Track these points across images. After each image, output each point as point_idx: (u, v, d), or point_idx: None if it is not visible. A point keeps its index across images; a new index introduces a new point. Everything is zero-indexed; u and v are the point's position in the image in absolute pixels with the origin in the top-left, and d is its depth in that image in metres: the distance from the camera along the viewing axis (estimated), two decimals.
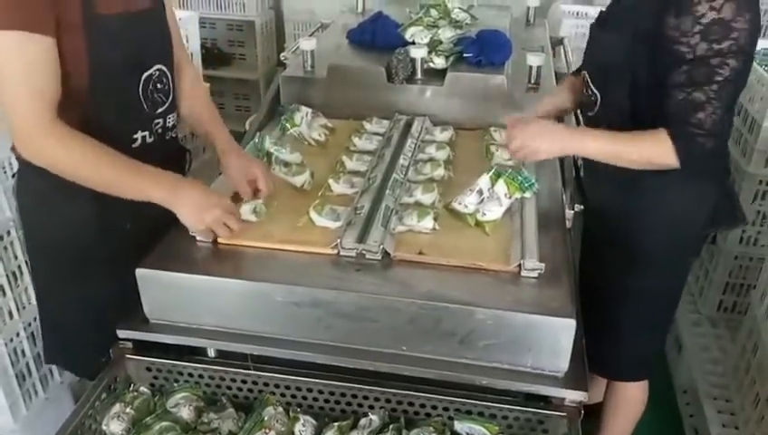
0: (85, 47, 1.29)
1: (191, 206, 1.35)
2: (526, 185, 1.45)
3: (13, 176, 1.71)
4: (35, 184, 1.43)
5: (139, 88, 1.41)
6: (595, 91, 1.53)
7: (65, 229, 1.44)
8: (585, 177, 1.71)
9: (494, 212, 1.43)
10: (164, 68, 1.46)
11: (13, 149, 1.40)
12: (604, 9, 1.58)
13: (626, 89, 1.45)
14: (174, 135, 1.56)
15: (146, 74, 1.42)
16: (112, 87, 1.36)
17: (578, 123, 1.75)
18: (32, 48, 1.23)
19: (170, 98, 1.50)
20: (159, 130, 1.48)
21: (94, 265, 1.45)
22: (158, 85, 1.46)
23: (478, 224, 1.43)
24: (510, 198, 1.45)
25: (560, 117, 1.78)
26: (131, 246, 1.39)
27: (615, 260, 1.62)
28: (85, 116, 1.33)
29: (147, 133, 1.45)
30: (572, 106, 1.73)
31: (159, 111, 1.47)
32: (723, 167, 1.56)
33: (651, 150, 1.40)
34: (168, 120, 1.50)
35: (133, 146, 1.42)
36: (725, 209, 1.56)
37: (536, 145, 1.47)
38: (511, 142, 1.49)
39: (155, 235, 1.42)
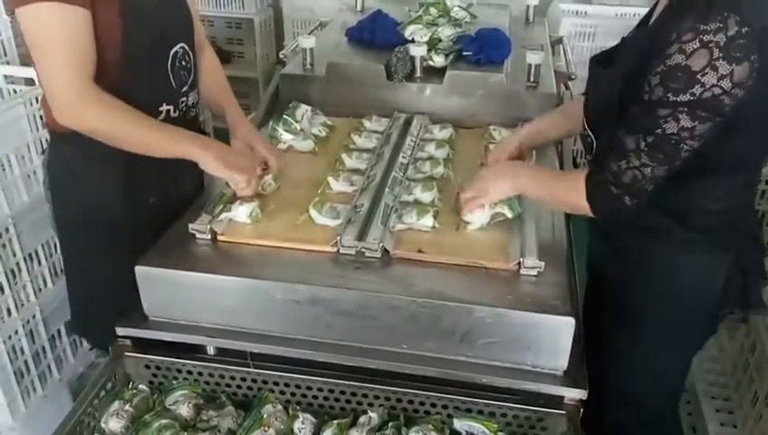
0: (119, 22, 1.35)
1: (218, 154, 1.43)
2: (514, 206, 1.41)
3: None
4: (67, 155, 1.50)
5: (168, 63, 1.48)
6: (590, 132, 1.39)
7: (94, 200, 1.51)
8: (590, 230, 1.54)
9: (477, 218, 1.41)
10: (186, 46, 1.54)
11: (46, 124, 1.50)
12: (610, 45, 1.41)
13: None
14: (194, 114, 1.62)
15: (173, 50, 1.49)
16: (143, 61, 1.42)
17: (573, 162, 1.66)
18: (69, 19, 1.28)
19: (192, 76, 1.57)
20: (183, 108, 1.56)
21: (121, 237, 1.48)
22: (182, 62, 1.53)
23: (458, 227, 1.42)
24: (493, 207, 1.41)
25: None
26: (156, 220, 1.46)
27: (612, 324, 1.48)
28: (116, 89, 1.38)
29: (172, 108, 1.52)
30: (557, 136, 1.67)
31: (184, 88, 1.55)
32: (738, 239, 1.34)
33: (566, 190, 1.29)
34: (189, 98, 1.57)
35: (158, 118, 1.48)
36: (741, 289, 1.35)
37: (485, 191, 1.39)
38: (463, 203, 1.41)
39: (177, 210, 1.50)
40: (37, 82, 1.52)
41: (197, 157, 1.43)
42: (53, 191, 1.57)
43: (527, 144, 1.62)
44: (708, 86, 1.09)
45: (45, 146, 1.57)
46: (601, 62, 1.36)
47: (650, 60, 1.15)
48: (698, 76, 1.08)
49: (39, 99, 1.55)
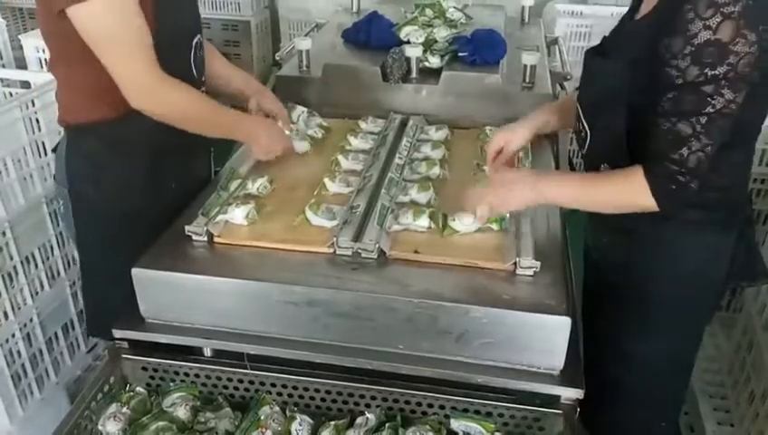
0: (153, 14, 1.41)
1: (265, 147, 1.63)
2: (502, 222, 1.41)
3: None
4: (89, 146, 1.53)
5: (191, 54, 1.57)
6: (585, 126, 1.38)
7: (119, 189, 1.56)
8: (586, 223, 1.56)
9: (465, 225, 1.40)
10: (201, 39, 1.62)
11: (62, 120, 1.56)
12: (606, 35, 1.42)
13: (622, 122, 1.28)
14: None
15: (194, 41, 1.58)
16: (173, 51, 1.47)
17: (570, 163, 1.64)
18: (130, 10, 1.36)
19: (205, 67, 1.65)
20: None
21: (140, 227, 1.49)
22: (200, 53, 1.62)
23: (445, 226, 1.41)
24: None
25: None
26: (174, 205, 1.53)
27: (616, 317, 1.46)
28: None
29: None
30: (555, 126, 1.66)
31: (203, 78, 1.63)
32: (742, 217, 1.37)
33: (623, 192, 1.25)
34: (204, 88, 1.64)
35: None
36: (745, 263, 1.37)
37: (506, 201, 1.37)
38: (477, 210, 1.36)
39: (193, 195, 1.58)
40: (52, 85, 1.65)
41: (250, 141, 1.64)
42: (74, 186, 1.58)
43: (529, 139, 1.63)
44: (742, 54, 1.11)
45: (62, 139, 1.61)
46: (600, 53, 1.37)
47: (660, 46, 1.16)
48: (730, 47, 1.10)
49: (55, 94, 1.59)
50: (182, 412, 1.31)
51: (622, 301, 1.44)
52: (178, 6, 1.53)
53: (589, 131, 1.38)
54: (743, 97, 1.14)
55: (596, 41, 1.45)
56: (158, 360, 1.38)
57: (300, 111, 1.89)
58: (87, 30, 1.35)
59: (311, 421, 1.30)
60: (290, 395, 1.36)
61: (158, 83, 1.42)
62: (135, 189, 1.56)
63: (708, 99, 1.14)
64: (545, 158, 1.77)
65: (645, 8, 1.29)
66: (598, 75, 1.37)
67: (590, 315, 1.55)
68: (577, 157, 2.35)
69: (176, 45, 1.50)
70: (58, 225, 2.09)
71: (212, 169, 1.78)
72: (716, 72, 1.12)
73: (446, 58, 2.07)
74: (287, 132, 1.75)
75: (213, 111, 1.54)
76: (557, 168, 1.79)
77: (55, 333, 2.12)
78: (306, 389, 1.35)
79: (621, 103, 1.27)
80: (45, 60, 2.62)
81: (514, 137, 1.60)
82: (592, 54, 1.39)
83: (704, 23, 1.11)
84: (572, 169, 1.77)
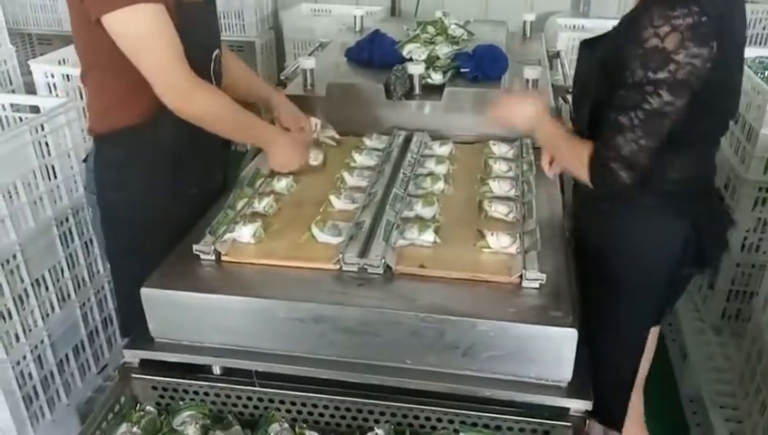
0: (177, 24, 1.47)
1: (282, 157, 1.71)
2: None
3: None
4: (116, 153, 1.61)
5: (210, 66, 1.64)
6: (570, 107, 1.60)
7: (140, 195, 1.61)
8: (573, 199, 1.72)
9: (501, 245, 1.41)
10: (219, 53, 1.69)
11: (90, 130, 1.63)
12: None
13: (587, 111, 1.46)
14: None
15: (214, 54, 1.66)
16: (194, 64, 1.52)
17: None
18: (164, 17, 1.44)
19: (222, 80, 1.72)
20: None
21: (164, 232, 1.54)
22: (219, 66, 1.69)
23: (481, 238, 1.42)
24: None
25: None
26: (194, 210, 1.60)
27: (593, 287, 1.57)
28: None
29: None
30: None
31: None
32: (701, 209, 1.51)
33: (574, 161, 1.43)
34: None
35: None
36: (696, 252, 1.51)
37: (512, 120, 1.61)
38: (496, 109, 1.61)
39: (211, 201, 1.65)
40: (76, 93, 1.98)
41: (269, 149, 1.70)
42: (100, 193, 1.66)
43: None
44: (682, 63, 1.26)
45: (91, 150, 1.69)
46: (589, 45, 1.52)
47: (625, 49, 1.31)
48: (672, 55, 1.26)
49: (84, 107, 1.72)
50: (192, 431, 1.32)
51: (596, 272, 1.56)
52: (200, 23, 1.60)
53: (572, 113, 1.60)
54: (683, 102, 1.30)
55: None
56: (168, 379, 1.39)
57: (314, 122, 1.92)
58: (124, 35, 1.43)
59: None
60: (299, 412, 1.36)
61: (193, 86, 1.49)
62: (158, 195, 1.62)
63: (647, 97, 1.29)
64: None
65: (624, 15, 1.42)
66: (581, 65, 1.55)
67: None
68: None
69: (196, 59, 1.55)
70: (68, 247, 2.11)
71: (224, 176, 1.83)
72: (658, 76, 1.27)
73: (449, 74, 2.09)
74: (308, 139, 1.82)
75: (242, 114, 1.61)
76: (561, 178, 1.79)
77: (66, 355, 2.14)
78: (315, 405, 1.35)
79: (588, 95, 1.45)
80: (54, 85, 2.65)
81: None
82: (583, 45, 1.54)
83: (654, 31, 1.26)
84: (575, 180, 1.78)
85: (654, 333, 1.72)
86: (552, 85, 2.18)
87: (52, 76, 2.65)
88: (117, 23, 1.41)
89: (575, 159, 1.43)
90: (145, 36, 1.43)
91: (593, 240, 1.58)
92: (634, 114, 1.31)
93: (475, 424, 1.29)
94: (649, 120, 1.31)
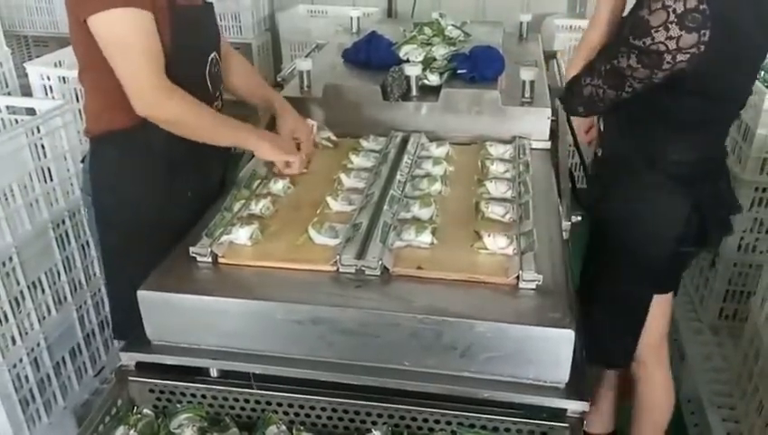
0: (169, 30, 1.49)
1: (272, 143, 1.69)
2: None
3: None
4: (111, 155, 1.61)
5: (206, 69, 1.64)
6: None
7: (135, 196, 1.62)
8: (592, 168, 1.91)
9: (498, 246, 1.40)
10: (218, 56, 1.70)
11: (86, 132, 1.64)
12: None
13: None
14: None
15: (209, 57, 1.66)
16: (188, 67, 1.56)
17: (571, 175, 1.85)
18: (144, 21, 1.44)
19: (221, 83, 1.73)
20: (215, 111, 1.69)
21: (158, 234, 1.53)
22: (216, 69, 1.69)
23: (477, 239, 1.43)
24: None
25: None
26: (190, 213, 1.59)
27: (602, 262, 1.77)
28: None
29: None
30: None
31: (217, 93, 1.71)
32: (697, 187, 1.60)
33: (568, 69, 1.66)
34: (216, 105, 1.71)
35: None
36: (697, 231, 1.61)
37: None
38: None
39: (208, 203, 1.65)
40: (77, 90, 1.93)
41: (255, 145, 1.68)
42: (96, 194, 1.66)
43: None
44: (656, 41, 1.38)
45: (87, 152, 1.69)
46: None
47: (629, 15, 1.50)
48: (651, 30, 1.38)
49: (81, 109, 1.75)
50: (189, 434, 1.31)
51: (604, 237, 1.75)
52: (195, 26, 1.61)
53: None
54: (647, 72, 1.44)
55: None
56: (165, 381, 1.39)
57: (310, 124, 1.92)
58: (101, 37, 1.44)
59: None
60: (296, 414, 1.36)
61: (162, 92, 1.48)
62: (153, 198, 1.62)
63: (619, 55, 1.47)
64: (545, 170, 1.79)
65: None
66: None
67: (588, 266, 1.88)
68: (578, 170, 2.37)
69: (191, 61, 1.57)
70: (65, 250, 2.11)
71: (223, 178, 1.82)
72: (633, 42, 1.43)
73: (446, 75, 2.09)
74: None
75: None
76: (557, 179, 1.79)
77: (63, 358, 2.13)
78: (312, 407, 1.35)
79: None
80: (50, 87, 2.65)
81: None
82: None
83: (648, 6, 1.40)
84: (572, 181, 1.80)
85: (668, 300, 1.82)
86: (549, 86, 2.18)
87: (48, 78, 2.66)
88: (97, 25, 1.43)
89: (570, 68, 1.64)
90: (120, 40, 1.44)
91: (605, 207, 1.73)
92: (603, 64, 1.51)
93: (472, 425, 1.29)
94: (611, 74, 1.50)
